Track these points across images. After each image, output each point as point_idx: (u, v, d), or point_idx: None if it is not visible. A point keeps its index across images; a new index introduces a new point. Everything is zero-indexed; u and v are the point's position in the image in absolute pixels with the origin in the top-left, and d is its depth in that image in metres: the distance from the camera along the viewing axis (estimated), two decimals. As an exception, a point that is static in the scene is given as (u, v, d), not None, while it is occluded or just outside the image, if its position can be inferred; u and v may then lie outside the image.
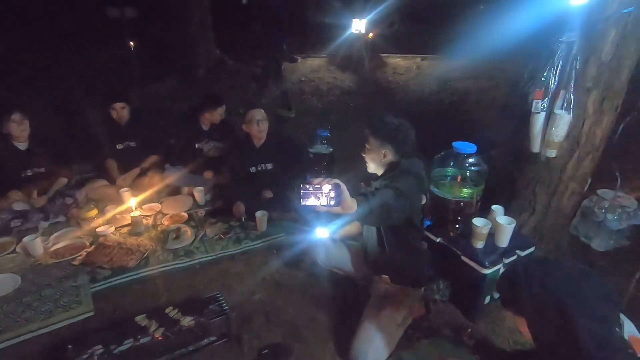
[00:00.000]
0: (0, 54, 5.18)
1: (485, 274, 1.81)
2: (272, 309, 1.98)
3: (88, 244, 2.42)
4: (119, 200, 2.80)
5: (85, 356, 1.52)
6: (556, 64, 1.94)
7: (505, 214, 2.02)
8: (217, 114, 3.11)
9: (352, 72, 6.23)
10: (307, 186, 1.24)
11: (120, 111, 2.99)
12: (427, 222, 2.10)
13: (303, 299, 2.06)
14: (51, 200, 2.74)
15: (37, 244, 2.30)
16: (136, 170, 3.09)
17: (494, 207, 2.05)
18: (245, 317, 1.91)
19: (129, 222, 2.62)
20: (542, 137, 2.07)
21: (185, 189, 3.05)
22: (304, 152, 2.84)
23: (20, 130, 2.65)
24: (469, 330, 1.79)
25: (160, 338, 1.62)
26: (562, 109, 1.97)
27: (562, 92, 1.95)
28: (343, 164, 2.91)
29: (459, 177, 1.99)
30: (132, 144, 3.11)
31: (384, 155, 1.71)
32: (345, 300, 2.01)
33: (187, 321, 1.68)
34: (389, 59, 6.74)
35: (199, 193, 2.91)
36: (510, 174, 2.36)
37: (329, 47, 6.53)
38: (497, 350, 1.76)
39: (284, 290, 2.13)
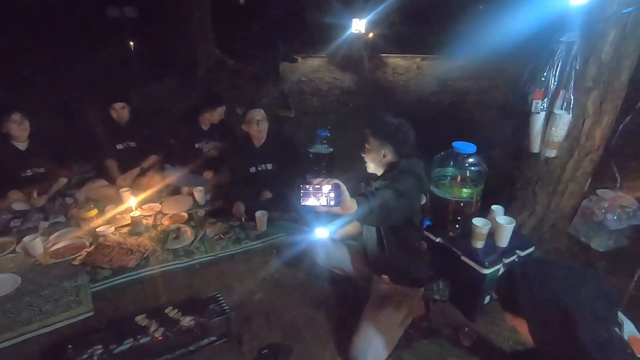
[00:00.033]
0: (0, 54, 5.17)
1: (485, 274, 1.81)
2: (272, 309, 1.98)
3: (88, 244, 2.42)
4: (119, 200, 2.80)
5: (85, 356, 1.52)
6: (556, 64, 1.94)
7: (505, 214, 2.02)
8: (216, 114, 3.11)
9: (352, 72, 6.23)
10: (307, 186, 1.24)
11: (120, 111, 2.99)
12: (427, 222, 2.10)
13: (303, 299, 2.06)
14: (51, 200, 2.74)
15: (37, 244, 2.30)
16: (136, 170, 3.09)
17: (493, 207, 2.05)
18: (245, 317, 1.91)
19: (129, 222, 2.62)
20: (542, 137, 2.08)
21: (185, 189, 3.05)
22: (304, 152, 2.84)
23: (20, 130, 2.65)
24: (466, 329, 1.79)
25: (160, 338, 1.62)
26: (562, 109, 1.97)
27: (562, 92, 1.96)
28: (343, 164, 2.91)
29: (459, 177, 1.99)
30: (132, 144, 3.11)
31: (384, 156, 1.71)
32: (345, 300, 2.01)
33: (187, 321, 1.68)
34: (389, 59, 6.74)
35: (198, 193, 2.91)
36: (510, 174, 2.36)
37: (329, 47, 6.53)
38: (496, 350, 1.76)
39: (284, 290, 2.13)
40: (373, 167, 1.78)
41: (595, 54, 1.90)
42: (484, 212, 2.04)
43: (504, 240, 1.89)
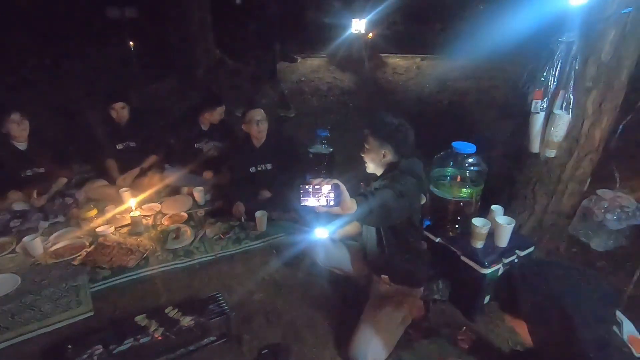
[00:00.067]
0: (0, 53, 5.18)
1: (485, 274, 1.82)
2: (272, 309, 1.98)
3: (88, 244, 2.42)
4: (118, 200, 2.80)
5: (85, 356, 1.52)
6: (555, 64, 1.94)
7: (505, 213, 2.02)
8: (216, 114, 3.11)
9: (351, 72, 6.23)
10: (307, 187, 1.24)
11: (120, 111, 2.99)
12: (427, 222, 2.10)
13: (303, 299, 2.06)
14: (51, 200, 2.74)
15: (36, 244, 2.30)
16: (136, 170, 3.09)
17: (493, 207, 2.05)
18: (245, 317, 1.91)
19: (129, 222, 2.62)
20: (542, 137, 2.07)
21: (185, 189, 3.05)
22: (304, 152, 2.84)
23: (19, 130, 2.65)
24: (464, 328, 1.79)
25: (160, 338, 1.62)
26: (561, 109, 1.97)
27: (561, 92, 1.96)
28: (343, 164, 2.91)
29: (459, 177, 1.99)
30: (132, 144, 3.11)
31: (384, 156, 1.71)
32: (345, 301, 2.01)
33: (186, 321, 1.68)
34: (389, 59, 6.73)
35: (198, 193, 2.91)
36: (510, 173, 2.36)
37: (328, 47, 6.53)
38: (495, 350, 1.76)
39: (284, 290, 2.13)
40: (372, 167, 1.78)
41: (594, 54, 1.90)
42: (484, 212, 2.04)
43: (503, 240, 1.89)
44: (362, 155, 1.79)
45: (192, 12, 5.57)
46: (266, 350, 1.73)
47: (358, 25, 6.22)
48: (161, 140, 3.27)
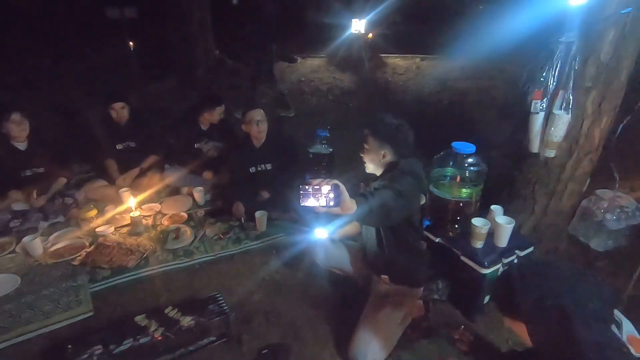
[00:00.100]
0: (0, 53, 5.18)
1: (485, 274, 1.82)
2: (272, 309, 1.98)
3: (87, 244, 2.42)
4: (118, 201, 2.80)
5: (85, 356, 1.52)
6: (555, 64, 1.94)
7: (505, 213, 2.02)
8: (216, 114, 3.11)
9: (351, 73, 6.23)
10: (307, 187, 1.24)
11: (120, 111, 2.99)
12: (427, 222, 2.11)
13: (302, 299, 2.06)
14: (51, 200, 2.74)
15: (36, 244, 2.30)
16: (136, 171, 3.09)
17: (493, 207, 2.06)
18: (245, 317, 1.91)
19: (129, 222, 2.62)
20: (541, 137, 2.08)
21: (185, 189, 3.05)
22: (304, 152, 2.84)
23: (19, 130, 2.65)
24: (462, 327, 1.79)
25: (159, 338, 1.62)
26: (561, 109, 1.98)
27: (561, 93, 1.96)
28: (343, 164, 2.91)
29: (458, 177, 2.00)
30: (132, 144, 3.11)
31: (384, 156, 1.71)
32: (345, 301, 2.02)
33: (186, 321, 1.68)
34: (389, 59, 6.73)
35: (198, 193, 2.91)
36: (510, 174, 2.36)
37: (328, 47, 6.52)
38: (494, 351, 1.76)
39: (284, 290, 2.13)
40: (372, 167, 1.78)
41: (594, 54, 1.90)
42: (484, 212, 2.04)
43: (503, 240, 1.89)
44: (362, 155, 1.79)
45: (192, 12, 5.57)
46: (266, 350, 1.73)
47: (358, 26, 6.22)
48: (161, 140, 3.27)
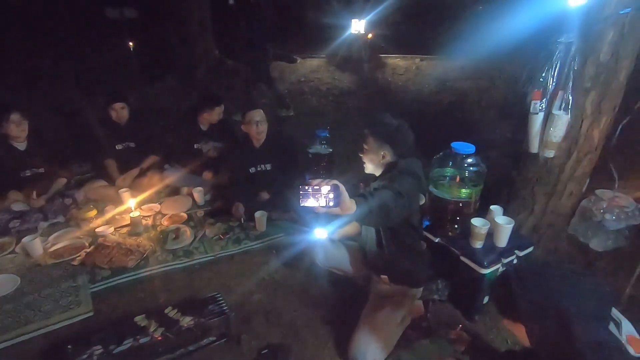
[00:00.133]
0: (0, 53, 5.18)
1: (484, 274, 1.82)
2: (272, 309, 1.98)
3: (87, 244, 2.42)
4: (118, 201, 2.80)
5: (85, 356, 1.52)
6: (554, 64, 1.94)
7: (504, 214, 2.02)
8: (215, 114, 3.11)
9: (351, 73, 6.24)
10: (306, 187, 1.24)
11: (120, 111, 2.99)
12: (426, 222, 2.11)
13: (302, 299, 2.06)
14: (50, 200, 2.74)
15: (36, 245, 2.30)
16: (135, 171, 3.09)
17: (492, 207, 2.06)
18: (245, 317, 1.91)
19: (129, 222, 2.62)
20: (541, 137, 2.08)
21: (185, 190, 3.05)
22: (303, 152, 2.84)
23: (19, 130, 2.65)
24: (459, 327, 1.78)
25: (159, 338, 1.62)
26: (560, 109, 1.98)
27: (560, 93, 1.96)
28: (342, 164, 2.91)
29: (458, 178, 2.00)
30: (132, 144, 3.11)
31: (383, 156, 1.71)
32: (344, 301, 2.02)
33: (186, 321, 1.68)
34: (388, 59, 6.74)
35: (198, 193, 2.92)
36: (509, 174, 2.37)
37: (328, 47, 6.54)
38: (493, 350, 1.76)
39: (283, 290, 2.13)
40: (372, 167, 1.78)
41: (593, 55, 1.90)
42: (483, 212, 2.05)
43: (503, 240, 1.90)
44: (361, 155, 1.79)
45: (192, 12, 5.58)
46: (266, 350, 1.73)
47: (357, 26, 6.23)
48: (161, 140, 3.27)
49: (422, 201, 2.07)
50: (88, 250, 2.35)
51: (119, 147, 3.08)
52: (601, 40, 1.87)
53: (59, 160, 2.89)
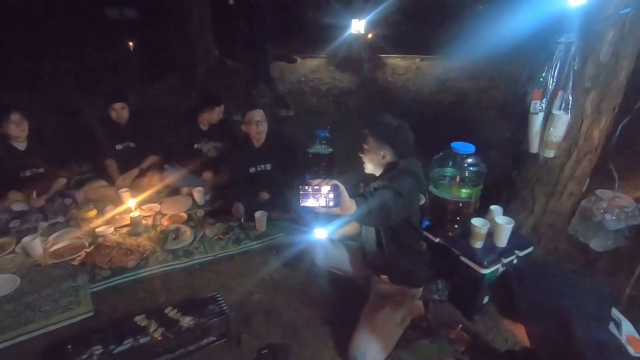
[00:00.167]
0: (0, 53, 5.18)
1: (484, 274, 1.82)
2: (272, 309, 1.98)
3: (87, 244, 2.42)
4: (118, 201, 2.80)
5: (85, 356, 1.52)
6: (554, 64, 1.94)
7: (504, 214, 2.02)
8: (215, 114, 3.11)
9: (351, 73, 6.24)
10: (306, 187, 1.24)
11: (120, 111, 2.99)
12: (426, 222, 2.11)
13: (302, 299, 2.06)
14: (50, 200, 2.74)
15: (36, 245, 2.30)
16: (135, 171, 3.09)
17: (492, 207, 2.06)
18: (245, 317, 1.91)
19: (129, 222, 2.62)
20: (541, 137, 2.08)
21: (185, 190, 3.05)
22: (303, 152, 2.84)
23: (19, 130, 2.65)
24: (459, 327, 1.78)
25: (159, 338, 1.62)
26: (560, 109, 1.98)
27: (560, 93, 1.96)
28: (342, 164, 2.91)
29: (458, 178, 2.00)
30: (132, 144, 3.11)
31: (383, 156, 1.71)
32: (344, 301, 2.02)
33: (186, 321, 1.69)
34: (388, 59, 6.74)
35: (198, 193, 2.92)
36: (509, 174, 2.37)
37: (328, 47, 6.54)
38: (491, 350, 1.76)
39: (283, 290, 2.13)
40: (371, 167, 1.78)
41: (593, 55, 1.90)
42: (483, 212, 2.05)
43: (503, 240, 1.90)
44: (361, 155, 1.79)
45: (192, 12, 5.58)
46: (266, 350, 1.73)
47: (358, 26, 6.23)
48: (161, 140, 3.27)
49: (422, 201, 2.08)
50: (88, 250, 2.35)
51: (119, 147, 3.08)
52: (601, 40, 1.87)
53: (59, 160, 2.89)
